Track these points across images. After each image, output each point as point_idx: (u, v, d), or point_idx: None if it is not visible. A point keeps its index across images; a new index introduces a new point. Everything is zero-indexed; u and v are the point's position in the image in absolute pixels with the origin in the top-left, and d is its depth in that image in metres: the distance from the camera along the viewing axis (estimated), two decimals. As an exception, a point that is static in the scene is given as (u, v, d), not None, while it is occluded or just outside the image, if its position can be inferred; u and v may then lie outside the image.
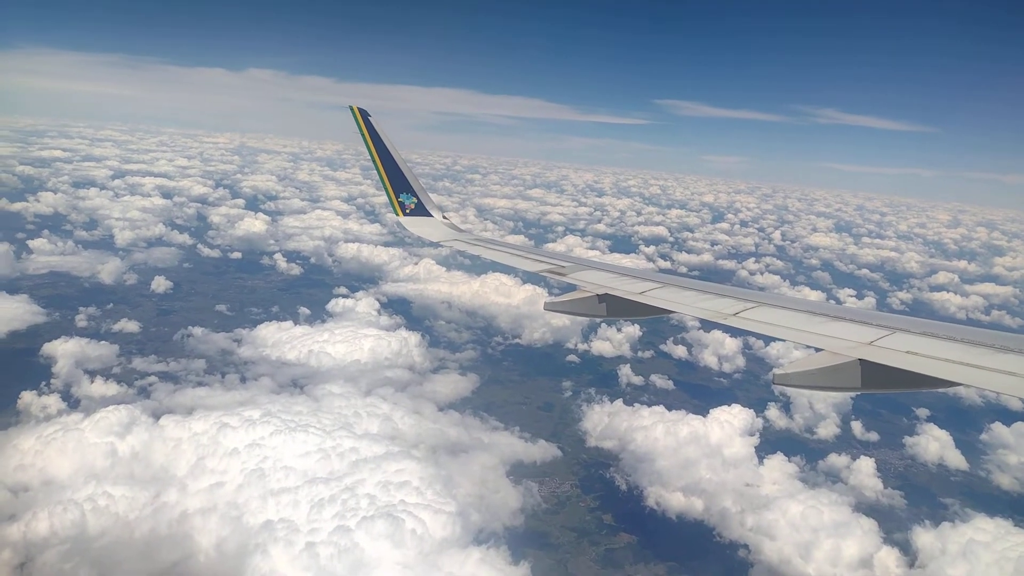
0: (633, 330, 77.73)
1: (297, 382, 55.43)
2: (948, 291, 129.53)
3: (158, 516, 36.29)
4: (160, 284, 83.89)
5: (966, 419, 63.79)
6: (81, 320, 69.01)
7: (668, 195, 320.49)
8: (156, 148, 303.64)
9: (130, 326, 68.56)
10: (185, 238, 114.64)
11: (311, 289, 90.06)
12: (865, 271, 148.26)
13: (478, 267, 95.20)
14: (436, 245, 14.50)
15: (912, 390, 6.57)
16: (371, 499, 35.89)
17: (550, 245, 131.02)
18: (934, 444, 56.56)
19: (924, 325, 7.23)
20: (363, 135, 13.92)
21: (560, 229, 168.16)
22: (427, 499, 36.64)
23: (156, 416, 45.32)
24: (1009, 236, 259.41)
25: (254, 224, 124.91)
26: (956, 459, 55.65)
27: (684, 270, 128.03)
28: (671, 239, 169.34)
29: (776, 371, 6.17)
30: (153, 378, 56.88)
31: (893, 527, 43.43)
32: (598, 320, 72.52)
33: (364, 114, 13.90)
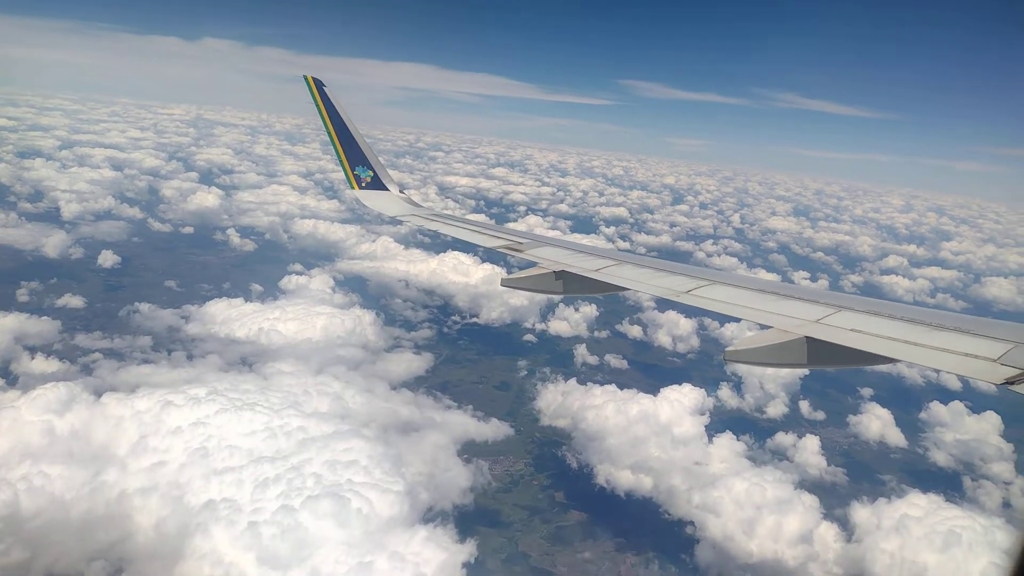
0: (590, 310, 78.16)
1: (246, 360, 54.38)
2: (897, 274, 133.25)
3: (96, 496, 35.37)
4: (107, 259, 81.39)
5: (908, 398, 65.89)
6: (23, 295, 66.64)
7: (631, 176, 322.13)
8: (108, 119, 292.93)
9: (74, 301, 66.45)
10: (135, 212, 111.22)
11: (264, 266, 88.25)
12: (820, 254, 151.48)
13: (436, 245, 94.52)
14: (393, 221, 14.24)
15: (855, 366, 6.77)
16: (317, 478, 35.47)
17: (512, 224, 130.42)
18: (876, 422, 58.35)
19: (868, 304, 7.43)
20: (317, 106, 13.60)
21: (522, 209, 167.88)
22: (375, 478, 36.35)
23: (98, 394, 44.03)
24: (957, 221, 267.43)
25: (207, 198, 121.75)
26: (896, 437, 57.54)
27: (643, 251, 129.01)
28: (631, 220, 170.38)
29: (728, 348, 6.37)
30: (97, 355, 55.32)
31: (834, 503, 44.73)
32: (556, 299, 73.19)
33: (319, 84, 13.56)
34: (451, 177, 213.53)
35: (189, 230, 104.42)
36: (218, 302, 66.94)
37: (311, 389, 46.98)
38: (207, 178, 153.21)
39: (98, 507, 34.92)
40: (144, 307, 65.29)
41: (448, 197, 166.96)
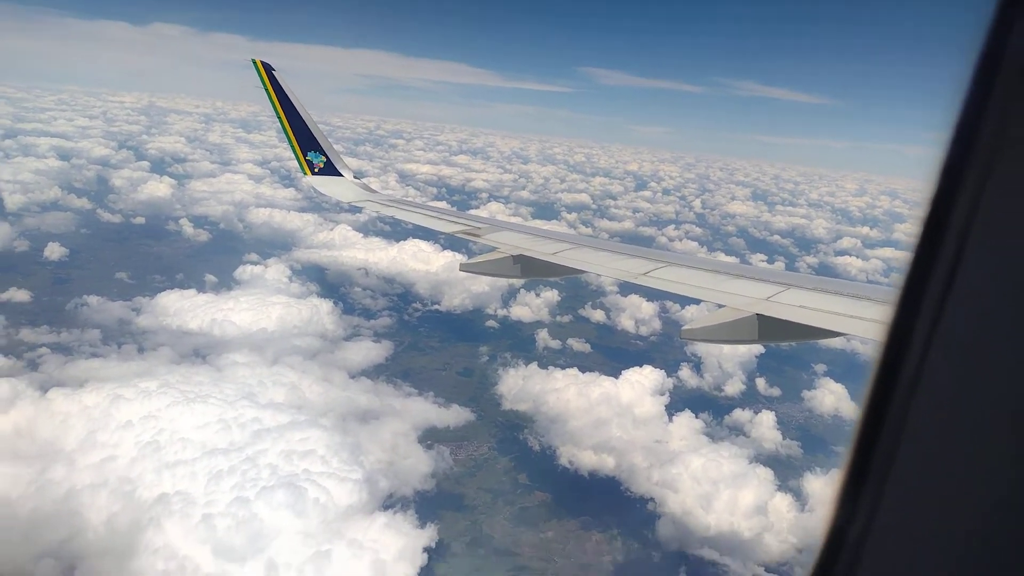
0: (552, 295, 78.25)
1: (199, 352, 53.10)
2: (851, 255, 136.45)
3: (43, 493, 34.34)
4: (54, 251, 78.57)
5: (860, 372, 67.43)
6: (-37, 290, 64.08)
7: (593, 163, 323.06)
8: (54, 107, 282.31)
9: (20, 295, 64.03)
10: (84, 202, 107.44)
11: (219, 256, 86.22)
12: (777, 237, 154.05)
13: (396, 233, 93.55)
14: (351, 208, 14.07)
15: (802, 341, 7.06)
16: (273, 469, 34.93)
17: (473, 211, 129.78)
18: (830, 397, 59.70)
19: (815, 281, 7.64)
20: (267, 90, 13.30)
21: (484, 196, 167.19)
22: (332, 467, 35.96)
23: (44, 389, 42.70)
24: (910, 204, 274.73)
25: (159, 188, 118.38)
26: (850, 410, 58.93)
27: (606, 236, 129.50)
28: (594, 206, 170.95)
29: (683, 327, 6.70)
30: (43, 350, 53.42)
31: (789, 475, 45.73)
32: (517, 284, 73.12)
33: (268, 68, 13.25)
34: (412, 164, 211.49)
35: (140, 220, 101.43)
36: (170, 293, 65.19)
37: (266, 380, 46.19)
38: (159, 167, 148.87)
39: (46, 505, 33.89)
40: (93, 300, 63.27)
41: (409, 185, 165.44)
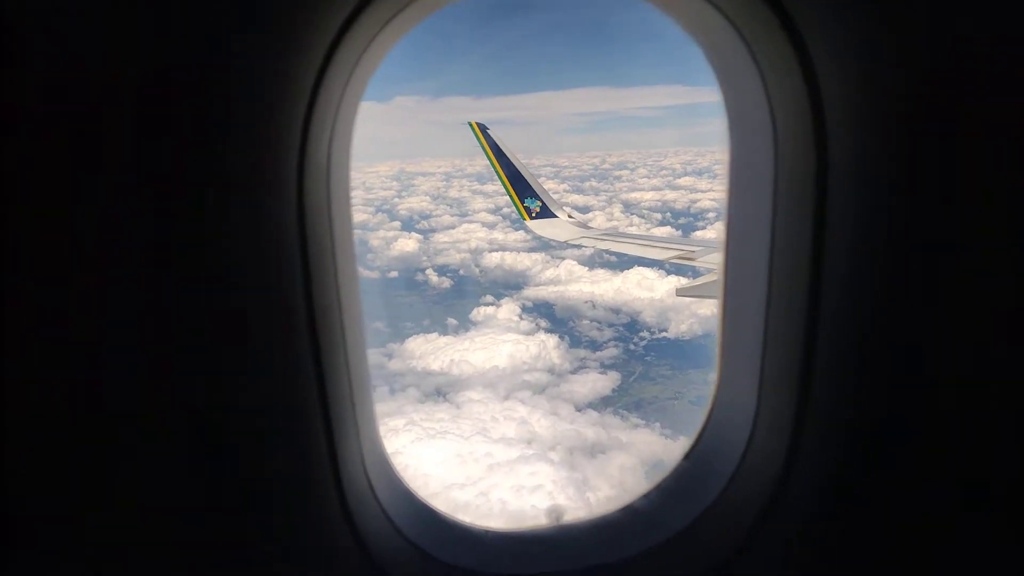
0: (790, 313, 72.28)
1: (440, 391, 57.47)
2: None
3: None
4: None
5: None
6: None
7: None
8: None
9: (299, 349, 74.92)
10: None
11: (460, 300, 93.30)
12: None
13: (621, 263, 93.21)
14: (565, 246, 14.69)
15: None
16: (503, 504, 36.18)
17: (699, 233, 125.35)
18: None
19: None
20: (483, 147, 14.39)
21: (711, 216, 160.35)
22: (560, 504, 36.30)
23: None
24: None
25: (408, 243, 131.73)
26: None
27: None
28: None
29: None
30: (316, 395, 61.61)
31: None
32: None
33: (483, 128, 14.34)
34: (635, 193, 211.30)
35: (394, 274, 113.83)
36: (417, 338, 71.75)
37: (498, 415, 48.42)
38: (408, 225, 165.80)
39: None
40: (355, 348, 71.75)
41: (633, 213, 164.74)
